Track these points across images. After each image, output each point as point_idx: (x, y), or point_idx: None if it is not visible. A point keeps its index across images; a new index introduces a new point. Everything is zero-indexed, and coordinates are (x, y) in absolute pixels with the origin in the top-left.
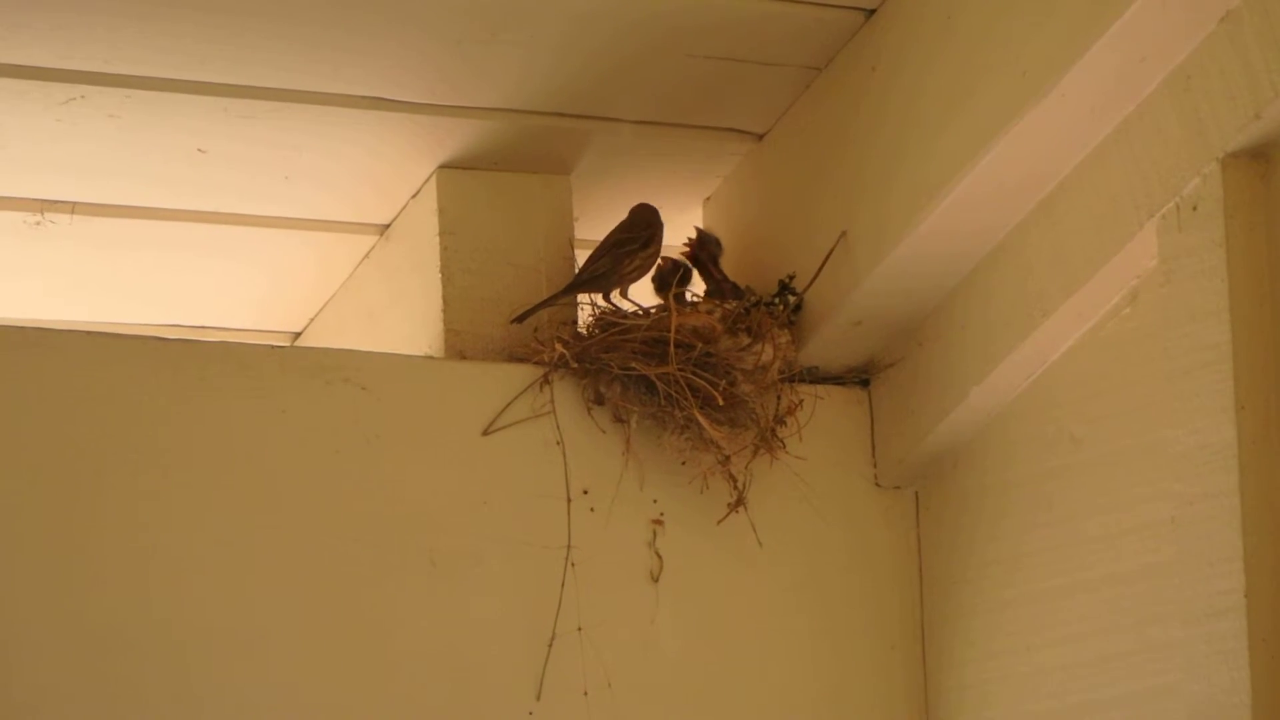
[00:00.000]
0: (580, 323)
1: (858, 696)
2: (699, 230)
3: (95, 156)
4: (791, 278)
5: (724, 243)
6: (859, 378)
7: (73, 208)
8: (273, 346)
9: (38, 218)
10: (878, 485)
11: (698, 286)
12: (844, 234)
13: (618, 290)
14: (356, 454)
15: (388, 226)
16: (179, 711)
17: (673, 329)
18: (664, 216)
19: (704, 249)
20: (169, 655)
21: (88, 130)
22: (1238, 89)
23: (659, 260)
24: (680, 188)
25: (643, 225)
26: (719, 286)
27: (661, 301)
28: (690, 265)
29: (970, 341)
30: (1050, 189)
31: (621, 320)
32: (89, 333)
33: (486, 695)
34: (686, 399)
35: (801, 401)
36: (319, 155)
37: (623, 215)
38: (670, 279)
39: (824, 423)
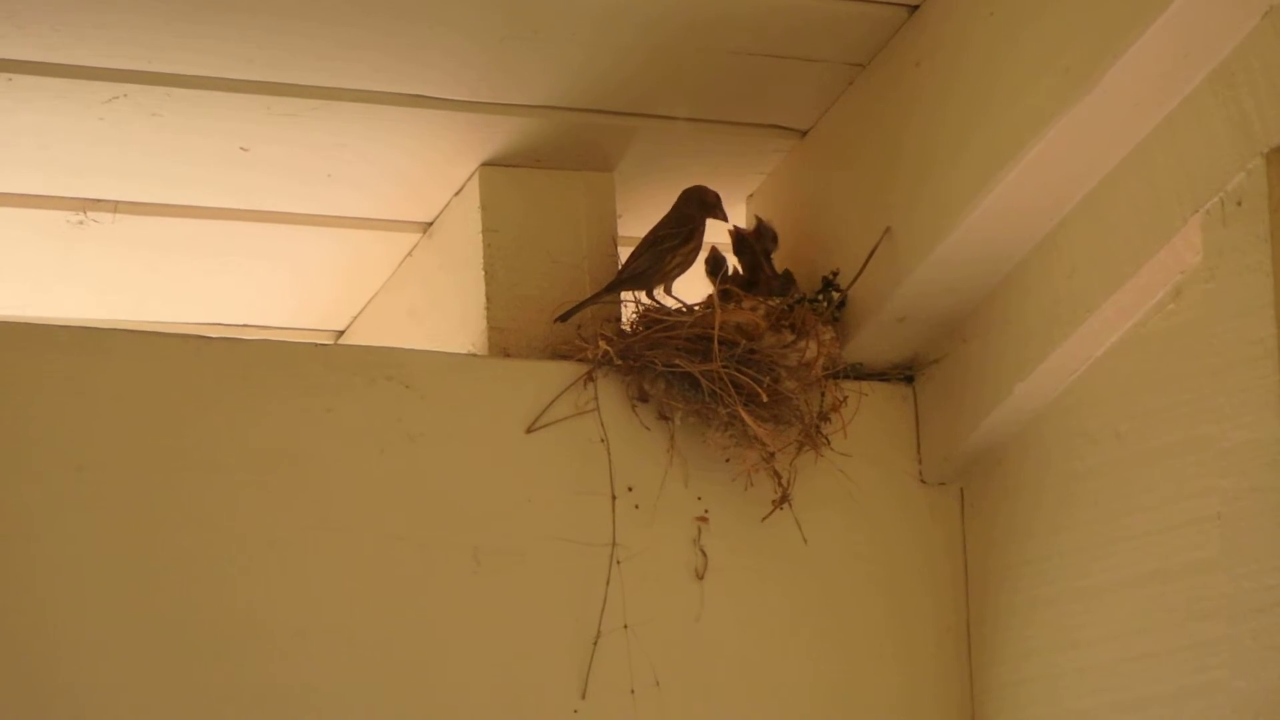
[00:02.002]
0: (624, 320)
1: (904, 693)
2: (760, 220)
3: (137, 155)
4: (835, 274)
5: None
6: (903, 374)
7: (115, 207)
8: (316, 345)
9: (80, 217)
10: (923, 482)
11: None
12: (888, 230)
13: (661, 287)
14: (400, 452)
15: (430, 225)
16: (221, 708)
17: (716, 326)
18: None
19: (760, 241)
20: (209, 652)
21: (130, 129)
22: None
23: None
24: (723, 184)
25: (683, 220)
26: (768, 282)
27: (712, 290)
28: (727, 257)
29: (1014, 338)
30: (1094, 185)
31: (665, 317)
32: (131, 331)
33: (531, 693)
34: (730, 396)
35: (846, 398)
36: (361, 154)
37: (665, 212)
38: (714, 271)
39: (868, 419)
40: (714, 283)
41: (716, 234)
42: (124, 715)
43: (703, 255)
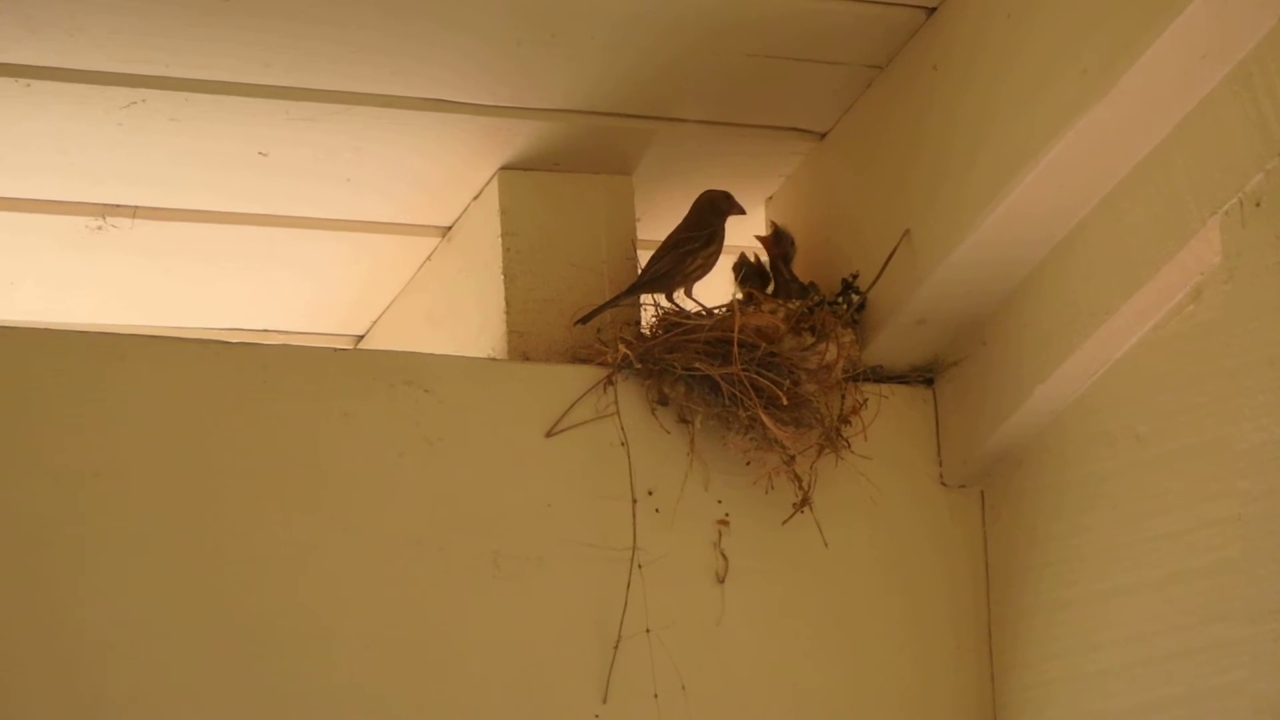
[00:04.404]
0: (643, 323)
1: (925, 696)
2: (776, 227)
3: (156, 161)
4: (855, 276)
5: None
6: (923, 376)
7: (134, 212)
8: (335, 349)
9: (99, 222)
10: (943, 484)
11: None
12: (907, 233)
13: (681, 290)
14: (419, 456)
15: (449, 229)
16: (240, 710)
17: (736, 329)
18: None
19: (778, 247)
20: (227, 655)
21: (148, 134)
22: None
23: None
24: (742, 187)
25: (704, 223)
26: (786, 286)
27: (735, 294)
28: (760, 263)
29: (1034, 340)
30: (1111, 187)
31: (685, 320)
32: (150, 337)
33: (552, 698)
34: (750, 399)
35: (866, 401)
36: (380, 158)
37: (685, 215)
38: (738, 273)
39: (888, 422)
40: (737, 282)
41: (740, 236)
42: (144, 715)
43: (730, 259)
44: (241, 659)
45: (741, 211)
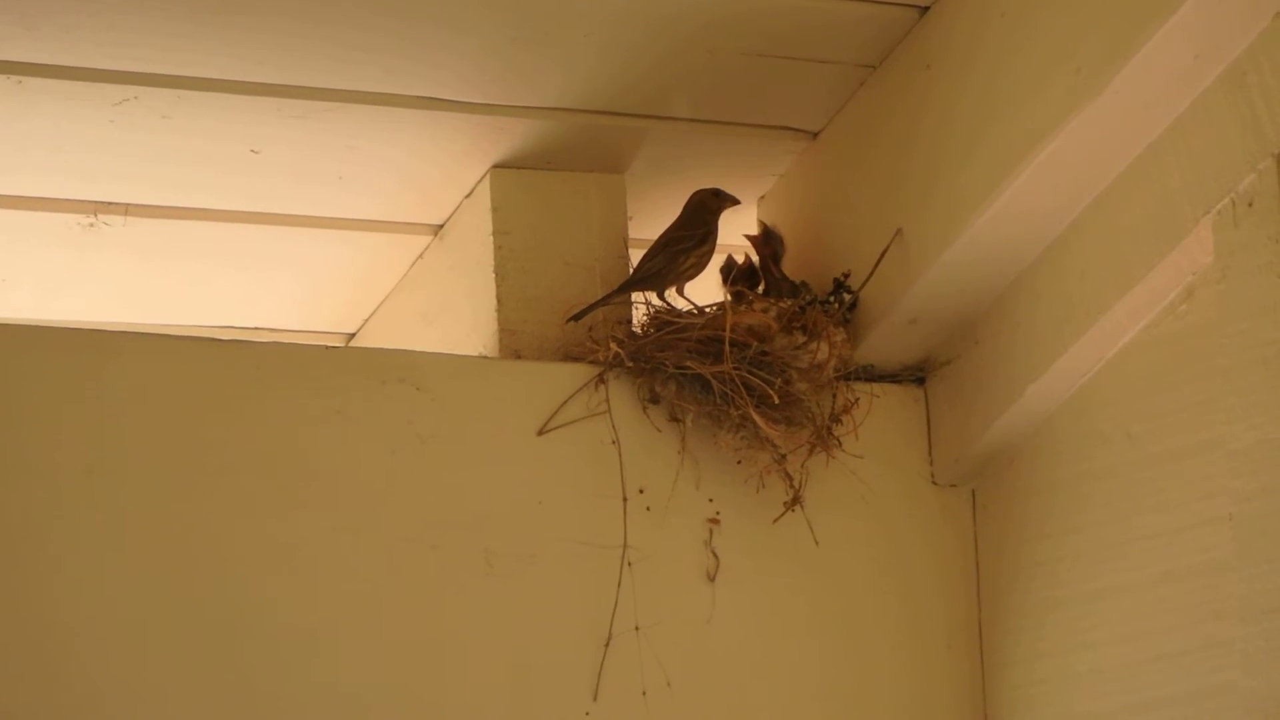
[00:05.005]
0: (635, 321)
1: (915, 694)
2: (765, 226)
3: (148, 158)
4: (847, 275)
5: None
6: (915, 376)
7: (126, 209)
8: (327, 347)
9: (91, 219)
10: (934, 483)
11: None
12: (899, 232)
13: (673, 288)
14: (411, 454)
15: (441, 227)
16: (232, 708)
17: (728, 328)
18: (720, 216)
19: (767, 246)
20: (219, 653)
21: (140, 132)
22: None
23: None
24: (735, 186)
25: (697, 222)
26: (777, 285)
27: (724, 296)
28: (750, 263)
29: (1026, 339)
30: (1105, 186)
31: (676, 319)
32: (143, 334)
33: (543, 695)
34: (742, 398)
35: (857, 399)
36: (372, 156)
37: (677, 214)
38: (726, 276)
39: (880, 421)
40: (729, 290)
41: (730, 236)
42: (136, 715)
43: (719, 263)
44: (233, 656)
45: (735, 201)
